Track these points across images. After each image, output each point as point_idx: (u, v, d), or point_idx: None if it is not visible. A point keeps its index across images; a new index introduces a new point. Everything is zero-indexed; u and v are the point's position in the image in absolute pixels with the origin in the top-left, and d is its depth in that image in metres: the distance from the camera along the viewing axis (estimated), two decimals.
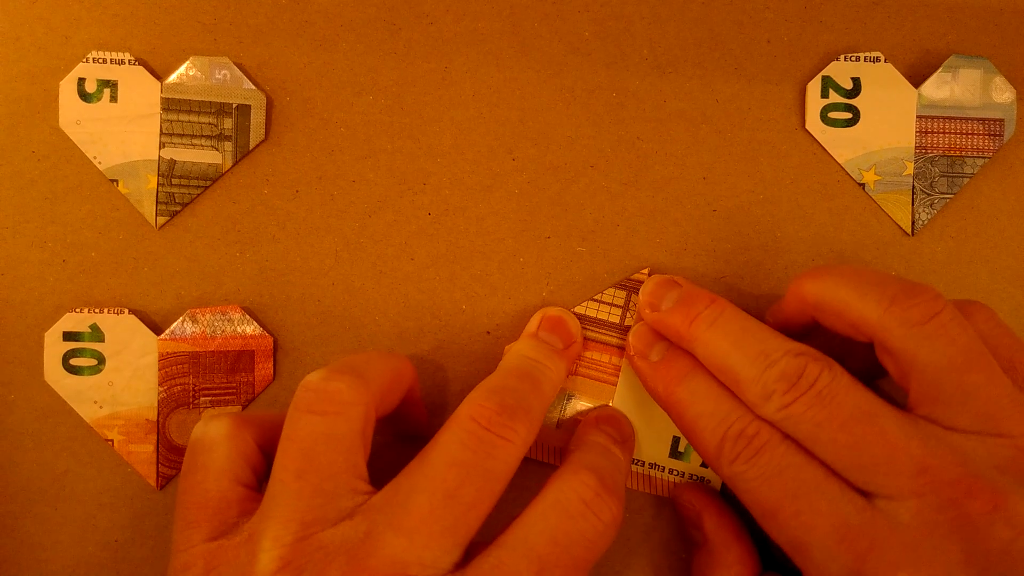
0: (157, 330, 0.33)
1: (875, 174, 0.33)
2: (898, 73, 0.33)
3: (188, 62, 0.33)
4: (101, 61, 0.33)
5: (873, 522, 0.24)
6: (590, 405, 0.32)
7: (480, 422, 0.25)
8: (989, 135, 0.33)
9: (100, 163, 0.33)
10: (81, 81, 0.33)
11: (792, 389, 0.26)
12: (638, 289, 0.32)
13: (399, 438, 0.32)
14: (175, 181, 0.33)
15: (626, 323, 0.32)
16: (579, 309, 0.32)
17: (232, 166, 0.33)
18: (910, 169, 0.33)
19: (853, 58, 0.33)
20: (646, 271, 0.32)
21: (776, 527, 0.25)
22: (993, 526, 0.23)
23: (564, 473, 0.26)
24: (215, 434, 0.26)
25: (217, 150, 0.33)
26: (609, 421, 0.31)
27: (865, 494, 0.25)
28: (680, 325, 0.29)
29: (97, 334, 0.32)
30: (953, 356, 0.25)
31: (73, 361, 0.32)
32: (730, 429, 0.26)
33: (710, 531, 0.30)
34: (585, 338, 0.32)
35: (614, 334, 0.32)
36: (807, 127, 0.33)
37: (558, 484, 0.25)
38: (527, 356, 0.29)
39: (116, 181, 0.33)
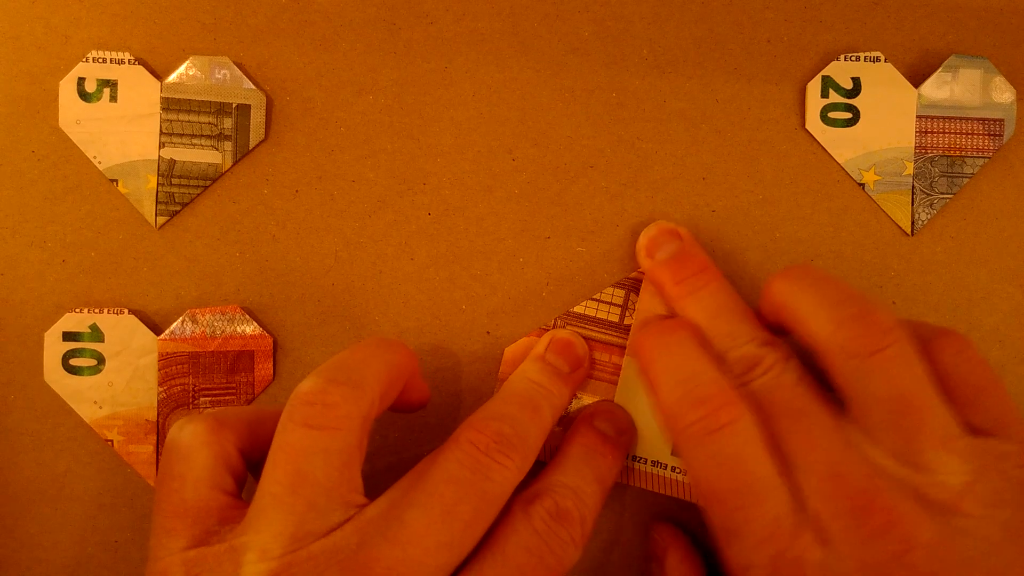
0: (157, 330, 0.33)
1: (875, 174, 0.33)
2: (898, 73, 0.33)
3: (188, 62, 0.33)
4: (101, 61, 0.33)
5: (798, 522, 0.24)
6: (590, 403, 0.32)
7: (479, 447, 0.25)
8: (989, 135, 0.33)
9: (100, 163, 0.33)
10: (81, 81, 0.33)
11: (742, 375, 0.26)
12: (638, 288, 0.32)
13: (397, 412, 0.32)
14: (175, 181, 0.33)
15: (625, 322, 0.32)
16: (579, 309, 0.32)
17: (232, 166, 0.33)
18: (910, 169, 0.33)
19: (853, 58, 0.33)
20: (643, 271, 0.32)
21: (717, 512, 0.26)
22: (885, 537, 0.23)
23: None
24: (191, 439, 0.25)
25: (217, 150, 0.33)
26: (604, 415, 0.31)
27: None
28: (666, 282, 0.30)
29: (97, 334, 0.32)
30: (888, 395, 0.25)
31: (73, 361, 0.32)
32: (696, 389, 0.26)
33: (670, 569, 0.30)
34: (585, 338, 0.32)
35: (614, 333, 0.32)
36: (807, 127, 0.33)
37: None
38: (532, 380, 0.30)
39: (116, 181, 0.33)
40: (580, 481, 0.27)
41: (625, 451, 0.31)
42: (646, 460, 0.32)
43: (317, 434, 0.24)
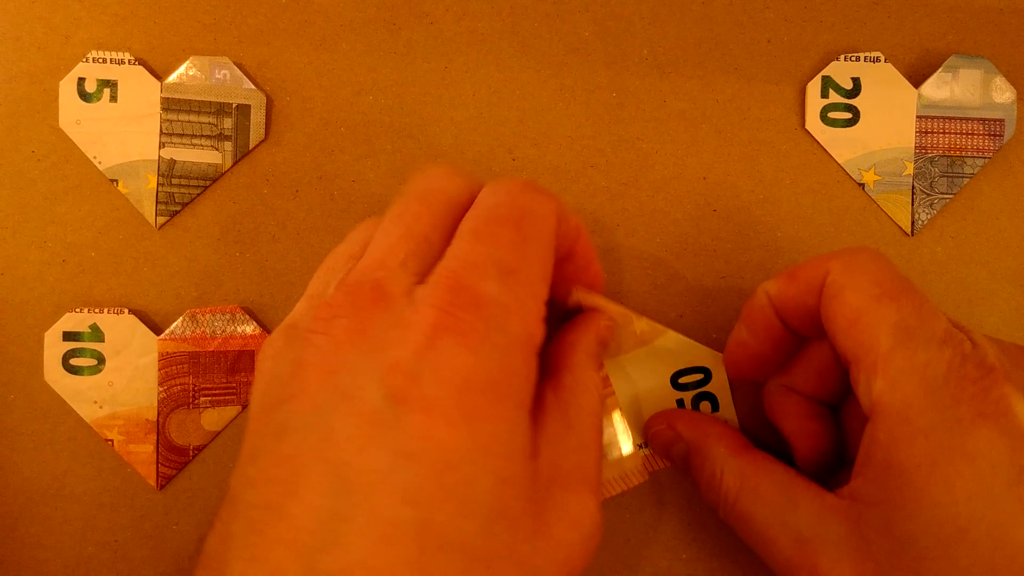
0: (157, 330, 0.33)
1: (875, 174, 0.33)
2: (898, 73, 0.33)
3: (188, 62, 0.33)
4: (101, 61, 0.33)
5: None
6: None
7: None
8: (989, 135, 0.33)
9: (100, 163, 0.33)
10: (81, 81, 0.33)
11: None
12: None
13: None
14: (175, 181, 0.33)
15: None
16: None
17: (232, 166, 0.33)
18: (910, 169, 0.33)
19: (853, 58, 0.33)
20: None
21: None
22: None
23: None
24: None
25: (217, 150, 0.33)
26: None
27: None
28: None
29: (97, 334, 0.32)
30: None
31: (73, 361, 0.32)
32: None
33: (687, 433, 0.29)
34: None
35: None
36: (807, 127, 0.34)
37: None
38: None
39: (116, 181, 0.33)
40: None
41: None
42: (645, 445, 0.31)
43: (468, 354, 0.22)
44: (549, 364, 0.25)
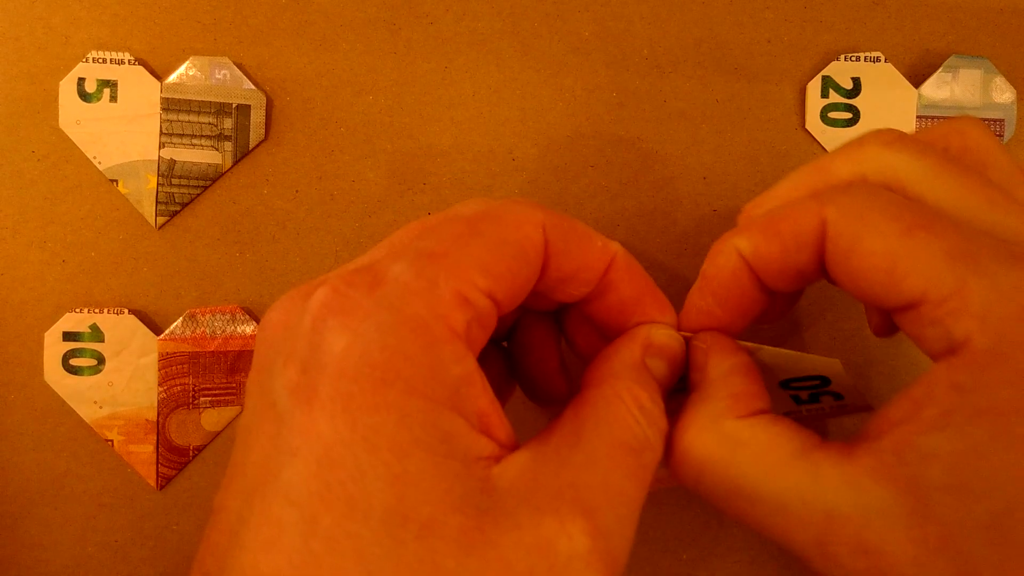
0: (157, 330, 0.33)
1: None
2: (898, 73, 0.33)
3: (188, 62, 0.33)
4: (101, 61, 0.33)
5: None
6: None
7: None
8: None
9: (100, 163, 0.33)
10: (81, 81, 0.33)
11: None
12: None
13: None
14: (175, 181, 0.33)
15: None
16: None
17: (232, 166, 0.33)
18: None
19: (853, 58, 0.33)
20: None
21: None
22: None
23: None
24: None
25: (217, 150, 0.33)
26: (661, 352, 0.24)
27: None
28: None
29: (97, 334, 0.32)
30: None
31: (73, 361, 0.32)
32: None
33: (711, 368, 0.24)
34: None
35: None
36: (807, 127, 0.33)
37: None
38: None
39: (116, 181, 0.33)
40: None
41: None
42: None
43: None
44: (584, 381, 0.22)
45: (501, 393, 0.26)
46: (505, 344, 0.26)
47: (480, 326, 0.20)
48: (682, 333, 0.24)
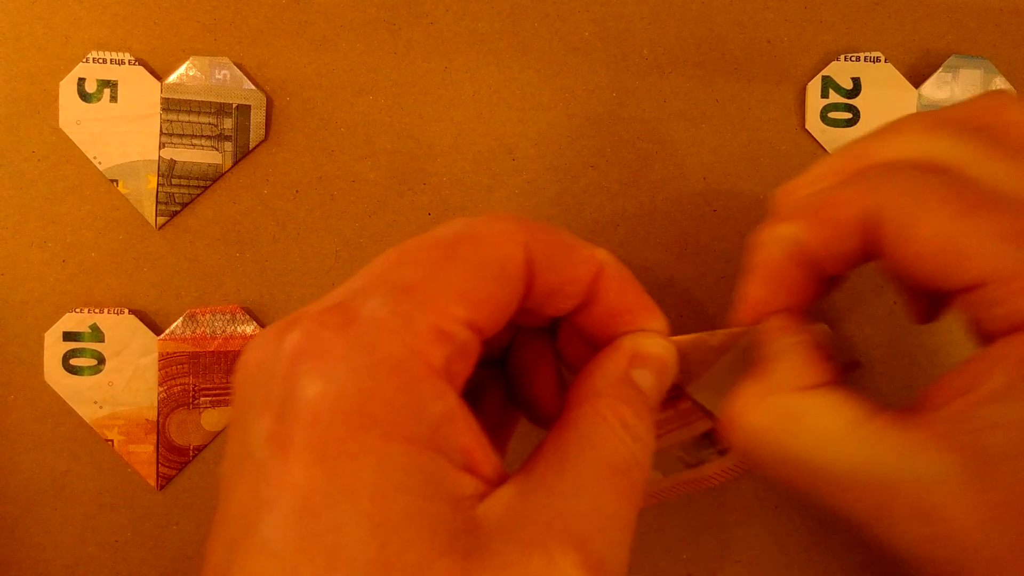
0: (157, 330, 0.33)
1: None
2: (898, 73, 0.33)
3: (188, 62, 0.33)
4: (101, 61, 0.33)
5: None
6: None
7: None
8: None
9: (100, 163, 0.33)
10: (81, 81, 0.33)
11: None
12: None
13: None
14: (175, 181, 0.33)
15: None
16: None
17: (232, 166, 0.33)
18: None
19: (853, 58, 0.33)
20: None
21: None
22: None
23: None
24: None
25: (217, 150, 0.33)
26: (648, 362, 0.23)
27: None
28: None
29: (97, 334, 0.32)
30: None
31: (73, 361, 0.32)
32: None
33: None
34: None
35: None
36: (807, 127, 0.33)
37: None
38: None
39: (116, 181, 0.33)
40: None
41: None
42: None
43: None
44: (567, 401, 0.22)
45: (505, 420, 0.26)
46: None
47: (461, 357, 0.19)
48: (734, 328, 0.24)
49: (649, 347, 0.22)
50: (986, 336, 0.21)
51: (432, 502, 0.17)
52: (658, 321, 0.23)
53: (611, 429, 0.20)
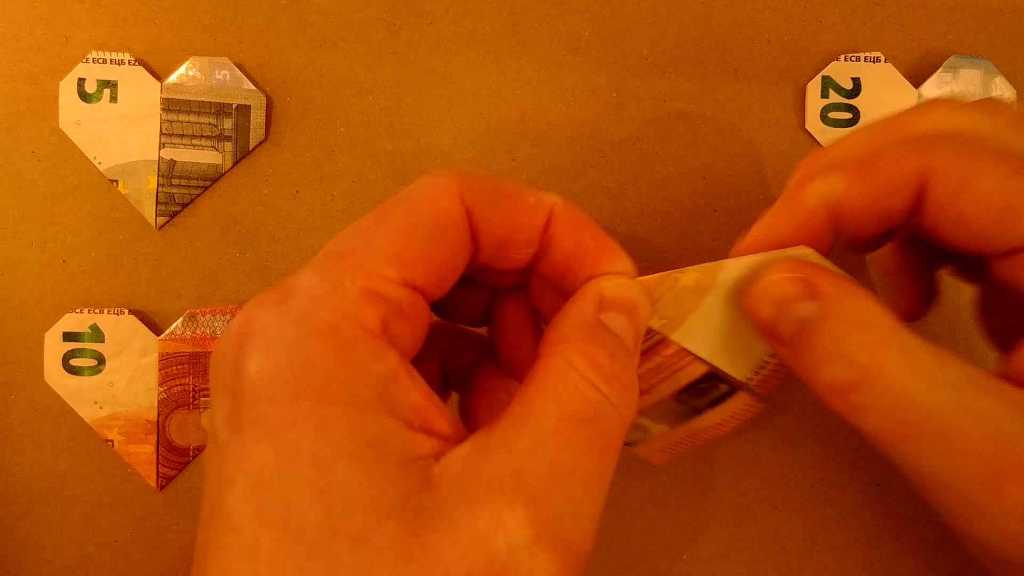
0: (157, 330, 0.33)
1: None
2: (898, 73, 0.33)
3: (188, 62, 0.33)
4: (101, 61, 0.33)
5: None
6: None
7: None
8: None
9: (100, 163, 0.33)
10: (81, 81, 0.33)
11: None
12: None
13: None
14: (175, 181, 0.33)
15: None
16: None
17: (232, 166, 0.33)
18: None
19: (853, 58, 0.33)
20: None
21: None
22: None
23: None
24: None
25: (217, 150, 0.33)
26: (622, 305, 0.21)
27: None
28: None
29: (97, 334, 0.32)
30: None
31: (73, 361, 0.32)
32: None
33: (830, 289, 0.21)
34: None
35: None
36: (807, 127, 0.33)
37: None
38: None
39: (116, 181, 0.33)
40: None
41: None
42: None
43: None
44: (537, 354, 0.21)
45: (496, 389, 0.25)
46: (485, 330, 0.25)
47: (401, 317, 0.19)
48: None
49: (616, 289, 0.21)
50: None
51: (377, 463, 0.17)
52: (622, 262, 0.22)
53: (580, 375, 0.19)
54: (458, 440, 0.19)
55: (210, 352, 0.33)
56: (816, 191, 0.22)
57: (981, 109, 0.22)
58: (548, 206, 0.21)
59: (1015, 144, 0.21)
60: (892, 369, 0.19)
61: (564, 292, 0.22)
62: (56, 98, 0.33)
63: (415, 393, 0.18)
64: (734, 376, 0.24)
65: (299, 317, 0.18)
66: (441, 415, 0.19)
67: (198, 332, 0.33)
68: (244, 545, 0.17)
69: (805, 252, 0.22)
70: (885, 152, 0.21)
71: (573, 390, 0.19)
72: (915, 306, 0.25)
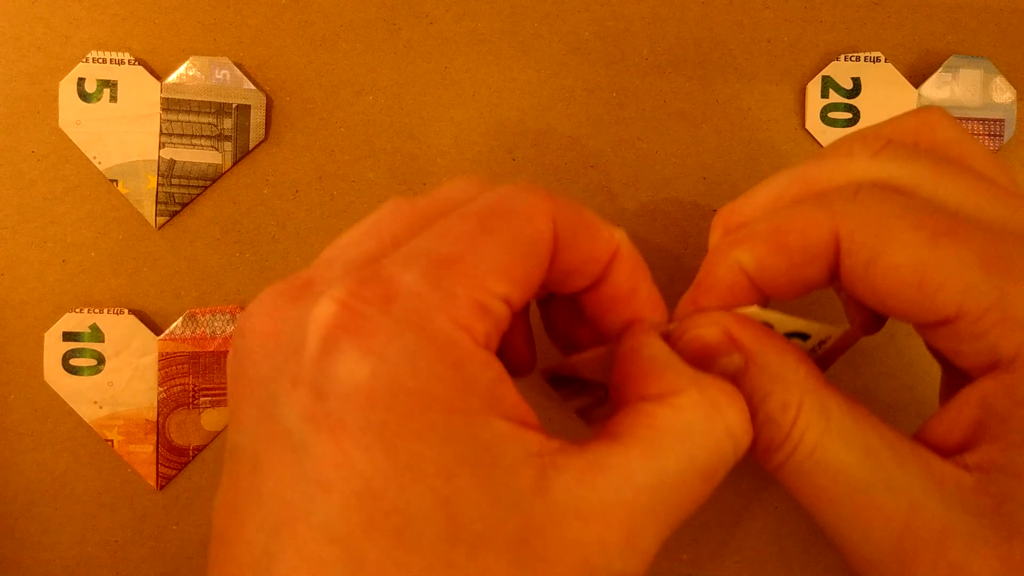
0: (157, 330, 0.33)
1: None
2: (898, 73, 0.33)
3: (188, 62, 0.33)
4: (101, 61, 0.33)
5: None
6: None
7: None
8: (989, 135, 0.33)
9: (100, 163, 0.33)
10: (81, 81, 0.33)
11: None
12: None
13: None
14: (175, 181, 0.33)
15: None
16: None
17: (232, 166, 0.33)
18: None
19: (853, 58, 0.33)
20: None
21: None
22: None
23: None
24: None
25: (217, 150, 0.33)
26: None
27: None
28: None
29: (97, 334, 0.32)
30: None
31: (73, 361, 0.32)
32: None
33: (750, 343, 0.21)
34: None
35: None
36: (807, 127, 0.33)
37: None
38: None
39: (116, 181, 0.33)
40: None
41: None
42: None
43: None
44: (619, 394, 0.21)
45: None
46: None
47: (499, 332, 0.19)
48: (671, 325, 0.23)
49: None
50: (959, 369, 0.20)
51: (493, 468, 0.17)
52: (660, 312, 0.22)
53: (726, 427, 0.19)
54: (537, 428, 0.19)
55: (210, 352, 0.33)
56: (729, 266, 0.22)
57: (903, 154, 0.22)
58: (616, 243, 0.21)
59: (939, 194, 0.21)
60: (812, 434, 0.19)
61: (595, 319, 0.22)
62: (56, 98, 0.33)
63: (515, 393, 0.19)
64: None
65: (415, 323, 0.17)
66: (528, 408, 0.19)
67: (198, 332, 0.33)
68: (344, 555, 0.16)
69: (752, 311, 0.22)
70: (795, 216, 0.21)
71: (712, 441, 0.19)
72: (871, 320, 0.25)
